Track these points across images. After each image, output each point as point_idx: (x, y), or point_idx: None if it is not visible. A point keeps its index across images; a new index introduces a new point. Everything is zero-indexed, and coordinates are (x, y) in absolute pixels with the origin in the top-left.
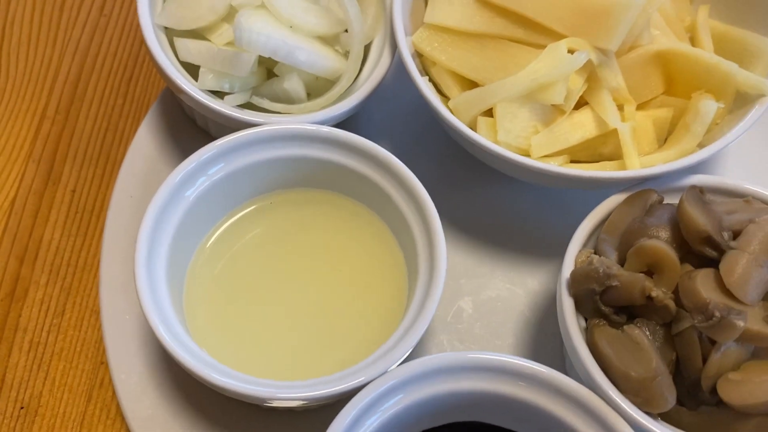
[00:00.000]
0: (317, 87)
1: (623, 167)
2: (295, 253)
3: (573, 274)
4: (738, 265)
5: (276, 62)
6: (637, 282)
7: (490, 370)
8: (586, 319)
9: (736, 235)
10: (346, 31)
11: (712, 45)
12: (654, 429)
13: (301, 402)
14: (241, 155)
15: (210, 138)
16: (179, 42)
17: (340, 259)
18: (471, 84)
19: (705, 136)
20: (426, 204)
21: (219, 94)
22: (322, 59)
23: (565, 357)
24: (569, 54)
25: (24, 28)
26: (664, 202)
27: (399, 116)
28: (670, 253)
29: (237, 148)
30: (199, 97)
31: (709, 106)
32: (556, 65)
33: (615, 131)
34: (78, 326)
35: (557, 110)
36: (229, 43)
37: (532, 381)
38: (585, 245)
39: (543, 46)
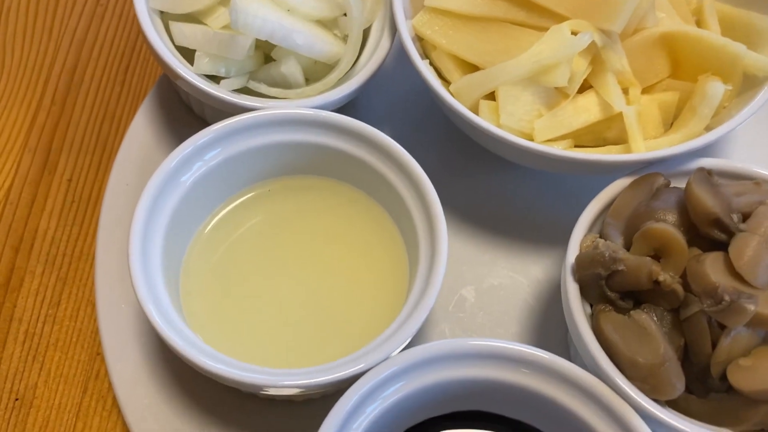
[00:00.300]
0: (315, 71)
1: (628, 151)
2: (294, 240)
3: (578, 259)
4: (748, 248)
5: (273, 47)
6: (644, 266)
7: (493, 357)
8: (591, 305)
9: (745, 217)
10: (345, 14)
11: (718, 27)
12: (662, 417)
13: (300, 390)
14: (239, 140)
15: (207, 125)
16: (174, 26)
17: (340, 246)
18: (472, 68)
19: (712, 119)
20: (427, 189)
21: (215, 80)
22: (320, 43)
23: (570, 345)
24: (572, 36)
25: (20, 17)
26: (671, 185)
27: (399, 102)
28: (678, 236)
29: (234, 132)
30: (195, 82)
31: (716, 88)
32: (559, 47)
33: (620, 115)
34: (74, 317)
35: (561, 94)
36: (225, 27)
37: (537, 368)
38: (590, 230)
39: (546, 29)
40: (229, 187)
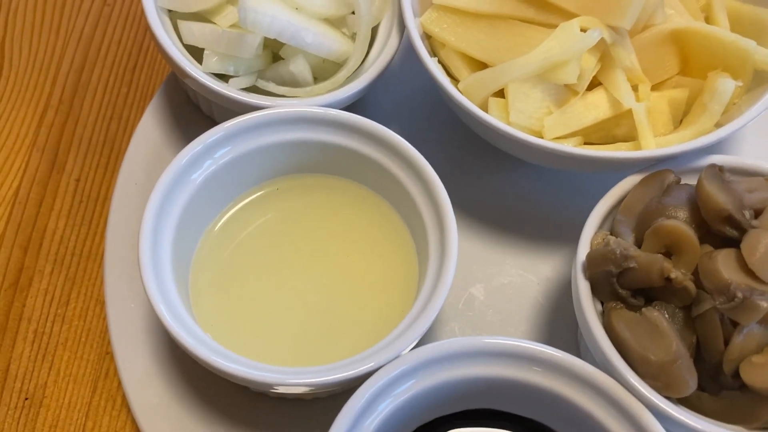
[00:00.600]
0: (324, 70)
1: (638, 148)
2: (304, 239)
3: (589, 256)
4: (761, 244)
5: (281, 45)
6: (656, 263)
7: (505, 355)
8: (602, 303)
9: (757, 214)
10: (353, 12)
11: (728, 23)
12: (675, 414)
13: (310, 388)
14: (248, 138)
15: (215, 125)
16: (183, 25)
17: (349, 245)
18: (481, 66)
19: (722, 116)
20: (436, 187)
21: (224, 78)
22: (328, 41)
23: (580, 344)
24: (582, 33)
25: (27, 17)
26: (682, 182)
27: (407, 100)
28: (690, 233)
29: (244, 131)
30: (204, 81)
31: (726, 85)
32: (568, 44)
33: (629, 112)
34: (83, 316)
35: (570, 91)
36: (233, 25)
37: (549, 366)
38: (601, 227)
39: (554, 26)
40: (239, 185)
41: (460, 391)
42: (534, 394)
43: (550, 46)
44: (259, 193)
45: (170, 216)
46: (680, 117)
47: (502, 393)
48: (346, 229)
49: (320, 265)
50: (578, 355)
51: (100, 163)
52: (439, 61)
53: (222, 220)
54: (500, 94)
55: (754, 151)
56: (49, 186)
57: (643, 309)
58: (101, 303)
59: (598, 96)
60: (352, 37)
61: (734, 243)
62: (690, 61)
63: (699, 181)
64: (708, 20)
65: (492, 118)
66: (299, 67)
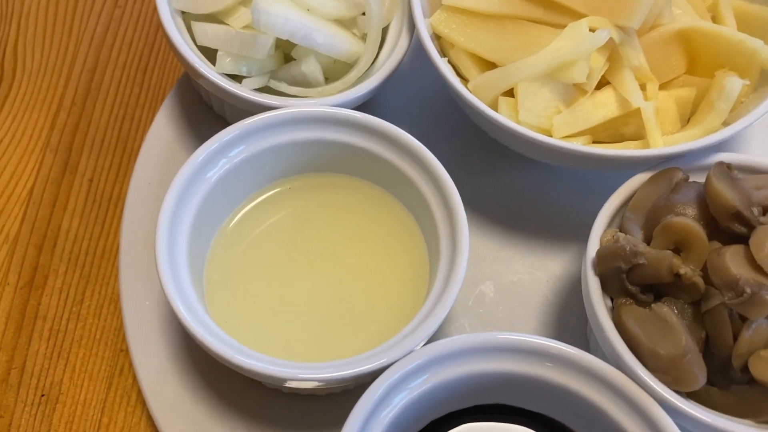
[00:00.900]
0: (335, 70)
1: (646, 147)
2: (316, 237)
3: (599, 253)
4: None
5: (293, 46)
6: (665, 259)
7: (517, 350)
8: (612, 299)
9: (765, 210)
10: (364, 13)
11: (735, 22)
12: (684, 408)
13: (323, 383)
14: (262, 138)
15: (227, 125)
16: (196, 26)
17: (361, 242)
18: (490, 66)
19: (730, 115)
20: (447, 186)
21: (237, 79)
22: (339, 42)
23: (589, 340)
24: (590, 32)
25: (39, 20)
26: (690, 180)
27: (417, 100)
28: (698, 230)
29: (258, 130)
30: (218, 81)
31: (734, 83)
32: (577, 43)
33: (637, 111)
34: (97, 314)
35: (579, 90)
36: (246, 27)
37: (560, 361)
38: (610, 225)
39: (563, 26)
40: (253, 183)
41: (472, 386)
42: (545, 390)
43: (558, 45)
44: (272, 192)
45: (186, 213)
46: (688, 116)
47: (513, 388)
48: (358, 227)
49: (332, 263)
50: (588, 351)
51: (113, 163)
52: (449, 61)
53: (236, 218)
54: (509, 93)
55: (762, 149)
56: (62, 186)
57: (653, 305)
58: (115, 301)
59: (607, 95)
60: (363, 37)
61: (743, 239)
62: (697, 60)
63: (707, 178)
64: (715, 20)
65: (501, 117)
66: (311, 68)
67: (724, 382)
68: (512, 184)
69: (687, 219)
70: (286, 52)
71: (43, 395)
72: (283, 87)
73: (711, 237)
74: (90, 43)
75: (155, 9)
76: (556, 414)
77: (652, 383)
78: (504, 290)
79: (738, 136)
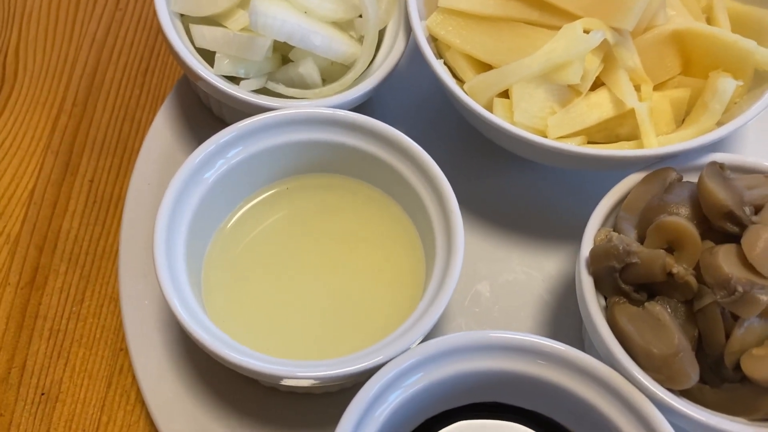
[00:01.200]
0: (332, 72)
1: (641, 147)
2: (313, 237)
3: (592, 252)
4: (760, 239)
5: (291, 48)
6: (658, 258)
7: (510, 348)
8: (605, 298)
9: (757, 210)
10: (361, 16)
11: (729, 24)
12: (677, 406)
13: (319, 381)
14: (260, 139)
15: (225, 126)
16: (195, 28)
17: (358, 242)
18: (486, 67)
19: (723, 115)
20: (442, 186)
21: (235, 80)
22: (336, 44)
23: (584, 339)
24: (585, 34)
25: (41, 22)
26: (683, 180)
27: (413, 101)
28: (691, 229)
29: (255, 131)
30: (216, 83)
31: (727, 84)
32: (571, 45)
33: (632, 112)
34: (97, 314)
35: (574, 91)
36: (244, 29)
37: (553, 359)
38: (604, 224)
39: (558, 28)
40: (250, 184)
41: (467, 384)
42: (539, 387)
43: (553, 47)
44: (269, 193)
45: (184, 214)
46: (682, 116)
47: (507, 386)
48: (355, 227)
49: (329, 263)
50: (583, 350)
51: (113, 165)
52: (445, 63)
53: (233, 219)
54: (505, 94)
55: (755, 149)
56: (63, 187)
57: (646, 303)
58: (115, 301)
59: (602, 96)
60: (360, 40)
61: (735, 239)
62: (692, 61)
63: (700, 178)
64: (709, 21)
65: (497, 118)
66: (308, 70)
67: (716, 380)
68: (508, 184)
69: (680, 218)
70: (283, 54)
71: (43, 394)
72: (281, 88)
73: (704, 236)
74: (90, 46)
75: (155, 12)
76: (550, 411)
77: (645, 381)
78: (500, 290)
79: (732, 136)
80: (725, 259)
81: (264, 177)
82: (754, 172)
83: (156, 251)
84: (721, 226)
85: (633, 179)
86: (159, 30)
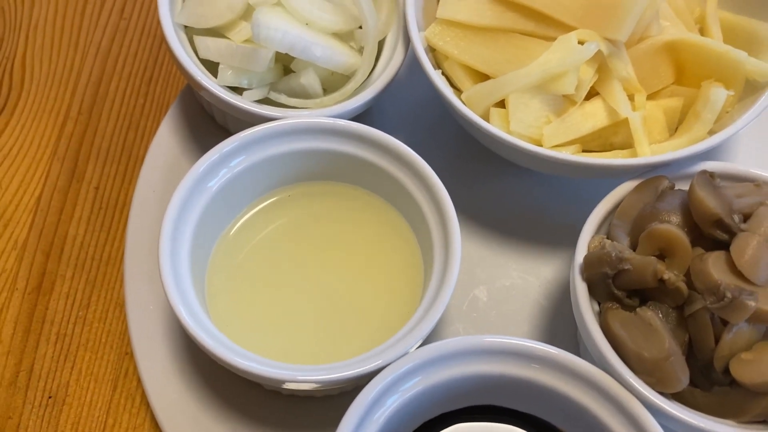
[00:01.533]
0: (333, 82)
1: (634, 155)
2: (313, 243)
3: (586, 259)
4: (749, 247)
5: (292, 59)
6: (649, 265)
7: (505, 353)
8: (599, 303)
9: (746, 217)
10: (361, 27)
11: (721, 35)
12: (668, 409)
13: (320, 385)
14: (262, 148)
15: (229, 135)
16: (199, 40)
17: (357, 248)
18: (483, 77)
19: (715, 124)
20: (441, 194)
21: (238, 91)
22: (337, 55)
23: (579, 343)
24: (579, 45)
25: (47, 32)
26: (676, 188)
27: (412, 110)
28: (682, 236)
29: (258, 140)
30: (219, 93)
31: (719, 94)
32: (566, 56)
33: (626, 121)
34: (103, 318)
35: (568, 101)
36: (247, 41)
37: (547, 363)
38: (598, 231)
39: (553, 39)
40: (253, 192)
41: (463, 388)
42: (533, 391)
43: (549, 58)
44: (271, 200)
45: (188, 222)
46: (675, 125)
47: (503, 390)
48: (355, 234)
49: (329, 269)
50: (578, 354)
51: (118, 172)
52: (443, 73)
53: (236, 226)
54: (501, 104)
55: (747, 158)
56: (69, 194)
57: (638, 309)
58: (120, 305)
59: (596, 105)
60: (360, 50)
61: (724, 246)
62: (684, 71)
63: (691, 187)
64: (702, 32)
65: (493, 128)
66: (309, 80)
67: (706, 383)
68: (504, 191)
69: (671, 226)
70: (285, 64)
71: (50, 397)
72: (283, 98)
73: (694, 243)
74: (96, 55)
75: (159, 23)
76: (544, 414)
77: (636, 385)
78: (497, 295)
79: (723, 145)
80: (715, 266)
81: (266, 185)
82: (744, 180)
83: (161, 257)
84: (710, 233)
85: (626, 187)
86: (162, 39)
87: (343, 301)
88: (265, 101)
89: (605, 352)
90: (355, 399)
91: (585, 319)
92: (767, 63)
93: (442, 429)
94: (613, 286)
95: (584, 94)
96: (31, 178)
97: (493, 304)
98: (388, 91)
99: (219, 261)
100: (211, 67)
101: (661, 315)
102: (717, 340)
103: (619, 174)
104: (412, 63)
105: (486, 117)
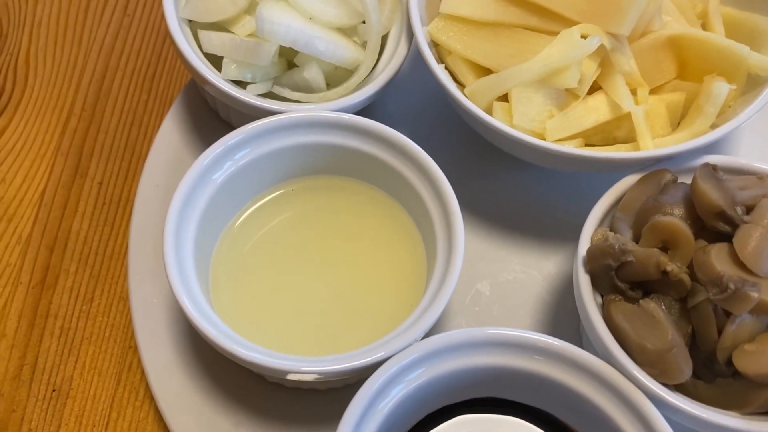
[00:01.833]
0: (336, 76)
1: (637, 149)
2: (318, 236)
3: (589, 251)
4: (751, 238)
5: (296, 53)
6: (652, 257)
7: (508, 345)
8: (602, 296)
9: (749, 210)
10: (364, 22)
11: (723, 30)
12: (671, 400)
13: (323, 376)
14: (266, 141)
15: (232, 129)
16: (203, 34)
17: (361, 242)
18: (486, 72)
19: (718, 118)
20: (444, 188)
21: (242, 85)
22: (340, 49)
23: (582, 336)
24: (582, 39)
25: (51, 29)
26: (678, 181)
27: (415, 105)
28: (684, 229)
29: (262, 134)
30: (223, 87)
31: (721, 88)
32: (569, 50)
33: (628, 115)
34: (106, 312)
35: (571, 95)
36: (250, 35)
37: (549, 355)
38: (601, 224)
39: (556, 33)
40: (257, 185)
41: (467, 380)
42: (536, 382)
43: (551, 52)
44: (275, 194)
45: (193, 214)
46: (677, 119)
47: (506, 381)
48: (358, 227)
49: (333, 262)
50: (581, 346)
51: (122, 167)
52: (446, 68)
53: (240, 219)
54: (504, 98)
55: (748, 151)
56: (73, 189)
57: (641, 301)
58: (124, 300)
59: (599, 99)
60: (363, 45)
61: (727, 238)
62: (687, 65)
63: (693, 179)
64: (704, 26)
65: (496, 121)
66: (313, 74)
67: (709, 375)
68: (507, 185)
69: (674, 218)
70: (289, 59)
71: (54, 390)
72: (287, 92)
73: (697, 235)
74: (99, 51)
75: (163, 18)
76: (547, 406)
77: (639, 376)
78: (500, 289)
79: (725, 139)
80: (718, 258)
81: (270, 178)
82: (747, 173)
83: (166, 249)
84: (713, 225)
85: (629, 180)
86: (166, 36)
87: (347, 294)
88: (269, 95)
89: (608, 344)
90: (360, 389)
91: (588, 311)
92: None
93: (446, 420)
94: (616, 279)
95: (587, 88)
96: (35, 174)
97: (495, 297)
98: (391, 86)
99: (223, 253)
100: (215, 62)
101: (664, 307)
102: (720, 332)
103: (622, 168)
104: (415, 57)
105: (489, 111)
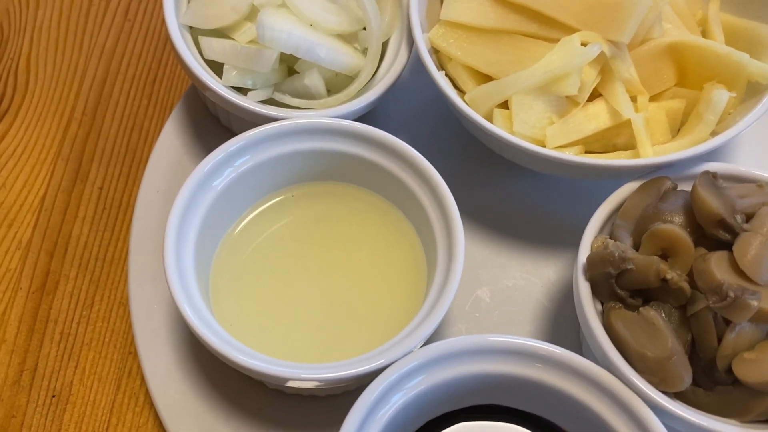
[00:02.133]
0: (337, 83)
1: (637, 156)
2: (318, 243)
3: (589, 259)
4: (751, 247)
5: (297, 60)
6: (652, 264)
7: (508, 352)
8: (602, 303)
9: (748, 218)
10: (365, 28)
11: (723, 37)
12: (671, 408)
13: (323, 383)
14: (267, 148)
15: (233, 136)
16: (204, 41)
17: (361, 248)
18: (486, 78)
19: (718, 126)
20: (444, 194)
21: (242, 91)
22: (341, 56)
23: (582, 343)
24: (582, 46)
25: (51, 34)
26: (678, 189)
27: (415, 111)
28: (684, 236)
29: (263, 140)
30: (224, 93)
31: (721, 95)
32: (569, 57)
33: (628, 122)
34: (106, 318)
35: (571, 102)
36: (251, 41)
37: (549, 362)
38: (600, 231)
39: (556, 40)
40: (257, 191)
41: (467, 387)
42: (536, 390)
43: (551, 59)
44: (275, 200)
45: (193, 220)
46: (677, 126)
47: (506, 389)
48: (358, 233)
49: (333, 268)
50: (581, 354)
51: (122, 172)
52: (446, 75)
53: (241, 225)
54: (504, 105)
55: (749, 159)
56: (73, 194)
57: (641, 308)
58: (124, 305)
59: (599, 107)
60: (364, 51)
61: (727, 246)
62: (687, 73)
63: (693, 187)
64: (704, 34)
65: (497, 128)
66: (313, 81)
67: (709, 382)
68: (507, 192)
69: (674, 226)
70: (289, 65)
71: (54, 396)
72: (287, 99)
73: (697, 243)
74: (100, 56)
75: (163, 23)
76: (548, 413)
77: (639, 384)
78: (500, 295)
79: (725, 146)
80: (717, 266)
81: (270, 185)
82: (747, 181)
83: (166, 255)
84: (713, 233)
85: (629, 188)
86: (167, 41)
87: (347, 301)
88: (270, 102)
89: (608, 352)
90: (360, 396)
91: (588, 319)
92: None
93: (446, 428)
94: (616, 286)
95: (587, 95)
96: (35, 179)
97: (495, 304)
98: (391, 92)
99: (224, 259)
100: (216, 68)
101: (663, 314)
102: (720, 340)
103: (621, 175)
104: (415, 64)
105: (489, 118)
